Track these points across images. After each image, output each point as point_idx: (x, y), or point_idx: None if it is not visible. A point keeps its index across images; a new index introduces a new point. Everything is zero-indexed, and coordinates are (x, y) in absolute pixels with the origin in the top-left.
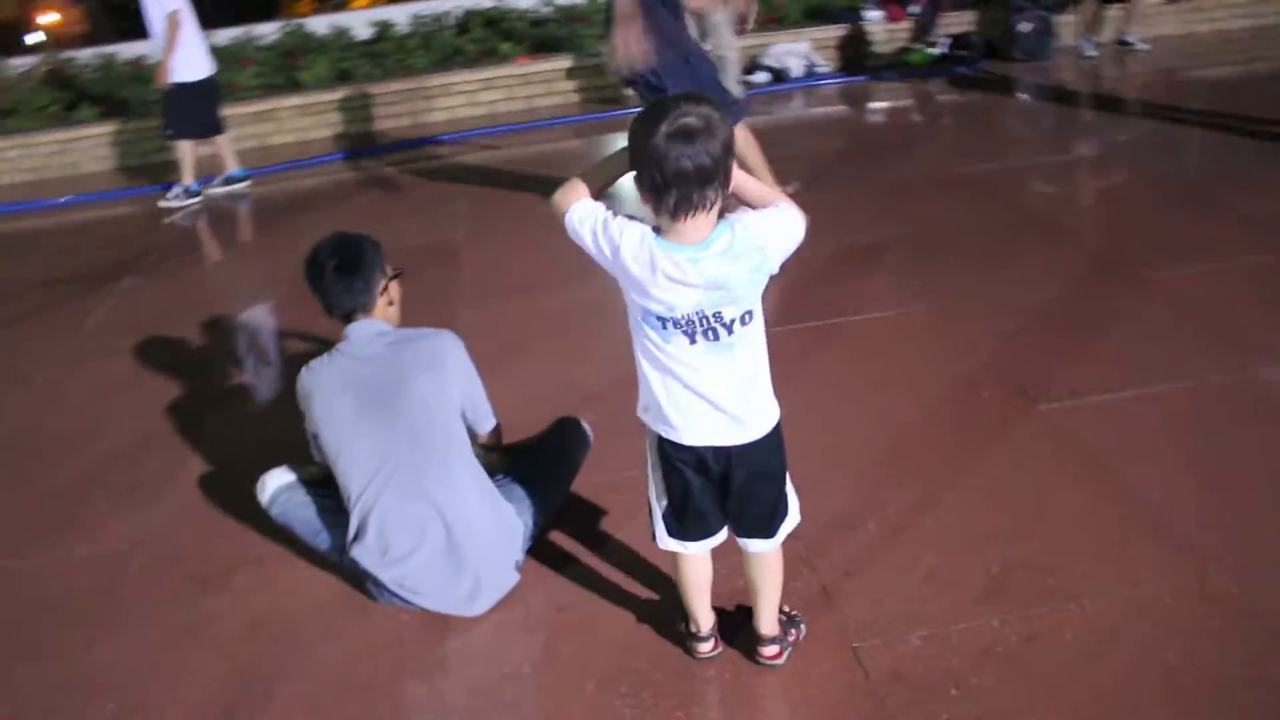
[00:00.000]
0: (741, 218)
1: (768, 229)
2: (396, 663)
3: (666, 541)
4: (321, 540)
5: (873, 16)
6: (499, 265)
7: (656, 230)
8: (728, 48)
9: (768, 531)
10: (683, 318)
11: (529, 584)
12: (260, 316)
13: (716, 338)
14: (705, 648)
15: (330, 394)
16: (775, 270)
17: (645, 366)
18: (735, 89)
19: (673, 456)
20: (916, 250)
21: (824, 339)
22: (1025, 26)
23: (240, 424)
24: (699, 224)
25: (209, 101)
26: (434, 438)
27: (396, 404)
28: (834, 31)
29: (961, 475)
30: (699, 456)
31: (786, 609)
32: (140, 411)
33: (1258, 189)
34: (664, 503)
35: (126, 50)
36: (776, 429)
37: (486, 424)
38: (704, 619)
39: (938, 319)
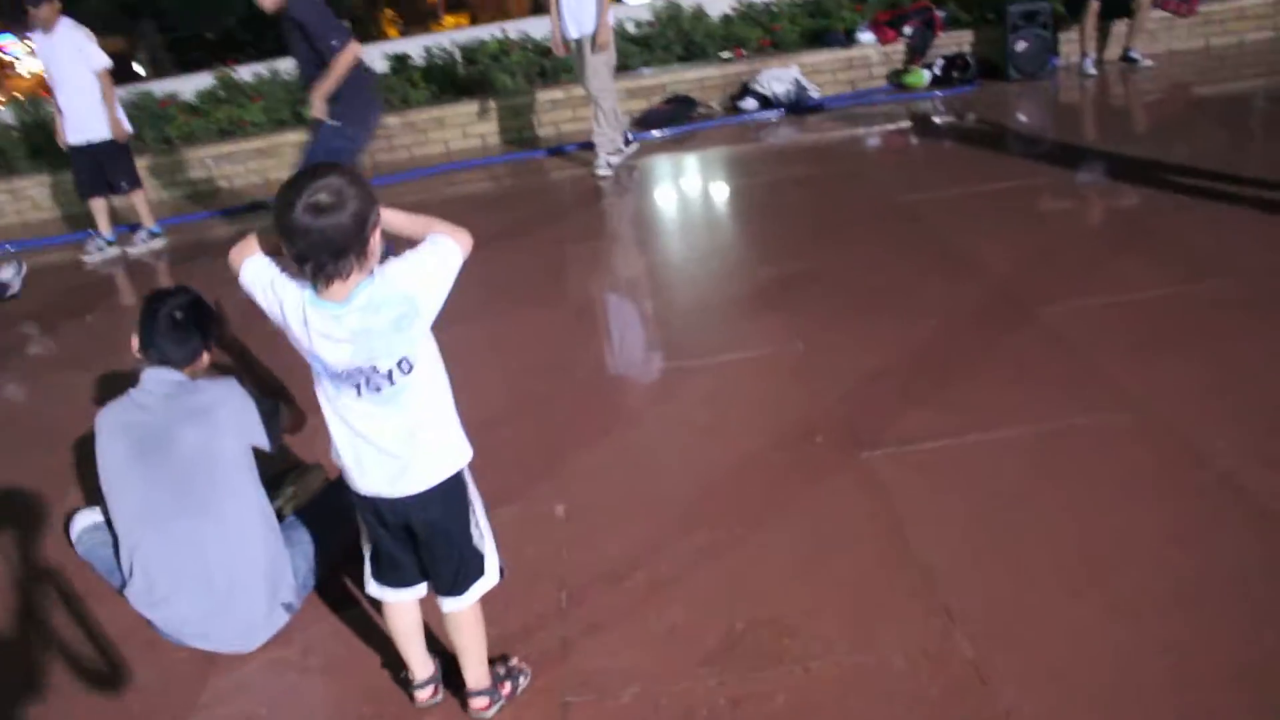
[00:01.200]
0: (385, 269)
1: (411, 276)
2: (156, 700)
3: (371, 587)
4: (115, 579)
5: (866, 39)
6: None
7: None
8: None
9: (454, 589)
10: (343, 371)
11: (306, 624)
12: None
13: (378, 389)
14: (423, 695)
15: (108, 436)
16: (432, 310)
17: (326, 414)
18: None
19: (359, 504)
20: (823, 285)
21: (683, 380)
22: (1021, 45)
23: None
24: (338, 287)
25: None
26: (196, 486)
27: (160, 452)
28: (827, 56)
29: (758, 527)
30: (375, 505)
31: (513, 661)
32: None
33: (1205, 219)
34: (368, 548)
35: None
36: (451, 483)
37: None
38: (418, 667)
39: (809, 359)
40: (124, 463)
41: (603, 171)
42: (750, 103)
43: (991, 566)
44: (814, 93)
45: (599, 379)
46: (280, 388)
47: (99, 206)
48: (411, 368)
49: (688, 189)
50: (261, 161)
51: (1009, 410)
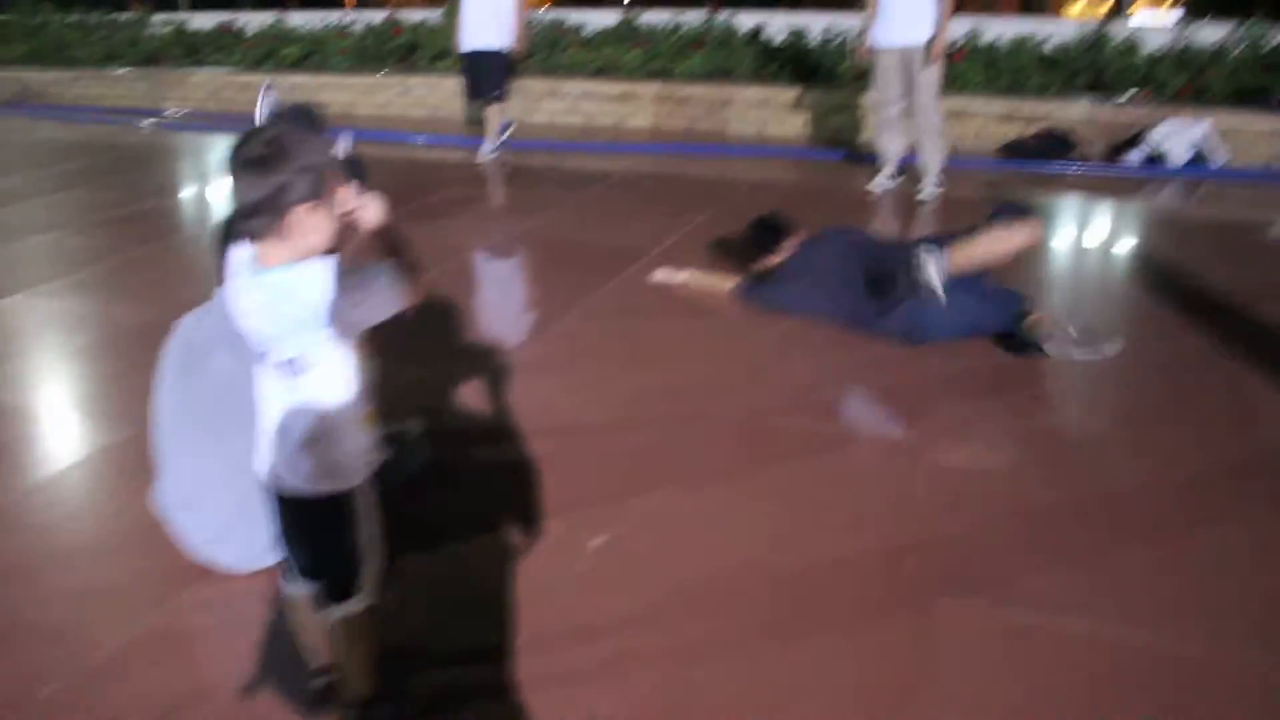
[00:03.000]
0: (313, 265)
1: (330, 287)
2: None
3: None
4: None
5: None
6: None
7: None
8: None
9: (328, 598)
10: (256, 341)
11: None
12: None
13: (283, 372)
14: None
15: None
16: (341, 330)
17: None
18: None
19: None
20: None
21: (822, 448)
22: None
23: None
24: (270, 251)
25: None
26: (224, 416)
27: (196, 373)
28: (1251, 119)
29: (769, 639)
30: (278, 493)
31: None
32: None
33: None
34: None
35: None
36: (330, 501)
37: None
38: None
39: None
40: (166, 375)
41: (926, 196)
42: (1136, 156)
43: None
44: (1221, 158)
45: (746, 420)
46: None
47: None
48: (304, 370)
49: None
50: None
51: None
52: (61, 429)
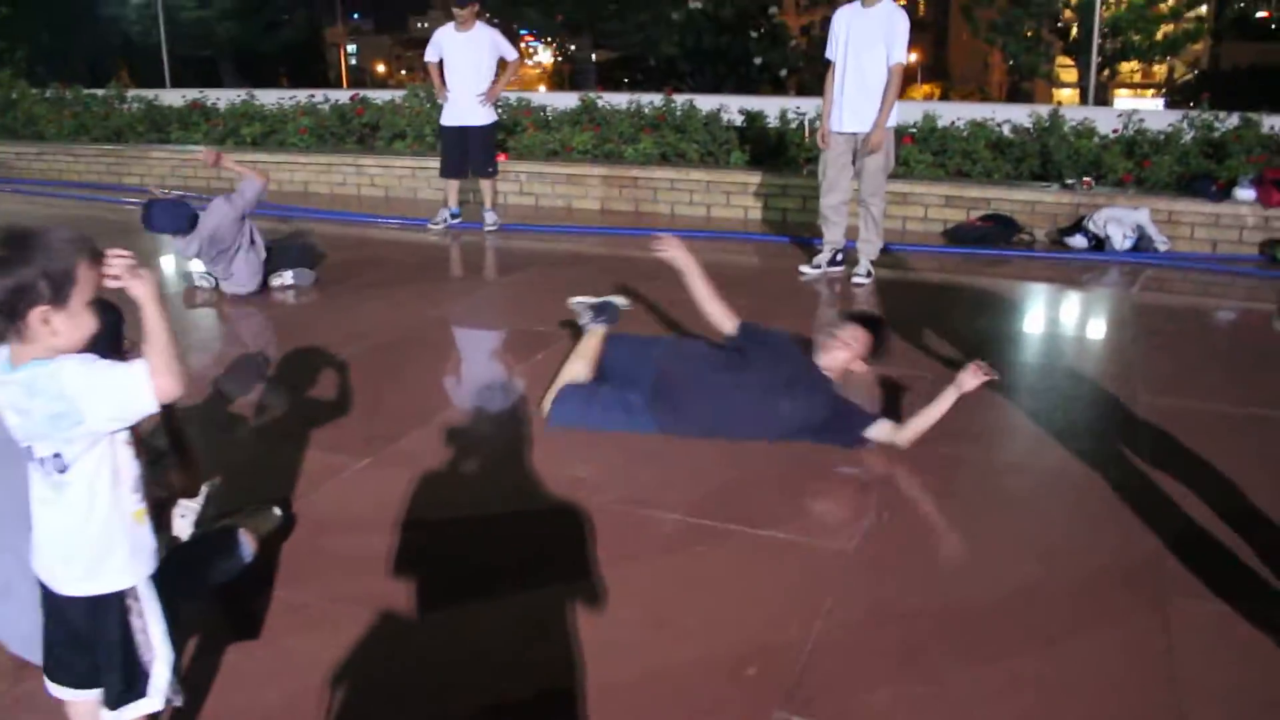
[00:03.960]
0: (63, 362)
1: (82, 382)
2: None
3: (47, 684)
4: None
5: (1245, 196)
6: None
7: None
8: None
9: (112, 703)
10: (17, 438)
11: None
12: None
13: (43, 472)
14: None
15: None
16: (96, 427)
17: None
18: None
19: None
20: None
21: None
22: None
23: None
24: (17, 350)
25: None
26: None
27: None
28: (1189, 206)
29: None
30: (45, 591)
31: None
32: None
33: None
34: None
35: None
36: (109, 600)
37: None
38: None
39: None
40: None
41: (862, 280)
42: (1079, 240)
43: None
44: (1160, 244)
45: (613, 513)
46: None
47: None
48: (66, 469)
49: (959, 316)
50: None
51: None
52: None
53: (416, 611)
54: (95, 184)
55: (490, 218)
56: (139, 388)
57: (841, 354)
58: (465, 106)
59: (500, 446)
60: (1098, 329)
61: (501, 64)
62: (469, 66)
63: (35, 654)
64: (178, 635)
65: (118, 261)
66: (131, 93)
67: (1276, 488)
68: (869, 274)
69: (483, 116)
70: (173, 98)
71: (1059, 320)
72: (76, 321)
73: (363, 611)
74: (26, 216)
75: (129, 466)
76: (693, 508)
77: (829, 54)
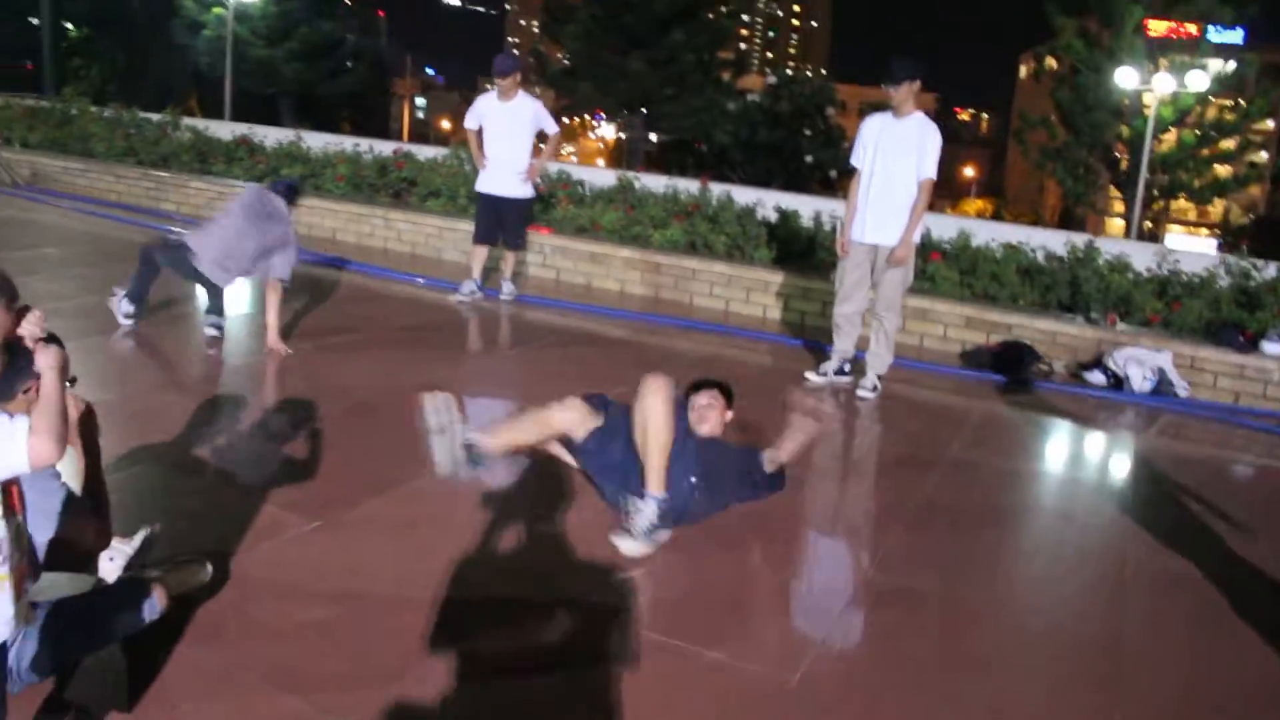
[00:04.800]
0: None
1: None
2: None
3: None
4: None
5: (1272, 350)
6: None
7: None
8: None
9: None
10: None
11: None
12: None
13: None
14: None
15: None
16: None
17: None
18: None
19: None
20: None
21: None
22: None
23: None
24: None
25: None
26: None
27: None
28: (1215, 355)
29: None
30: None
31: None
32: None
33: None
34: None
35: None
36: None
37: None
38: None
39: None
40: None
41: (866, 394)
42: (1098, 377)
43: None
44: (1181, 390)
45: (561, 605)
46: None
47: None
48: None
49: (965, 451)
50: (586, 266)
51: None
52: None
53: (323, 691)
54: (132, 206)
55: (508, 288)
56: (13, 445)
57: (716, 415)
58: (503, 177)
59: (455, 525)
60: (1104, 471)
61: (541, 137)
62: (509, 137)
63: None
64: (71, 683)
65: (32, 320)
66: (185, 121)
67: (1255, 658)
68: (875, 388)
69: (521, 190)
70: (224, 131)
71: (1064, 457)
72: None
73: (271, 688)
74: (56, 229)
75: None
76: (636, 614)
77: (855, 161)
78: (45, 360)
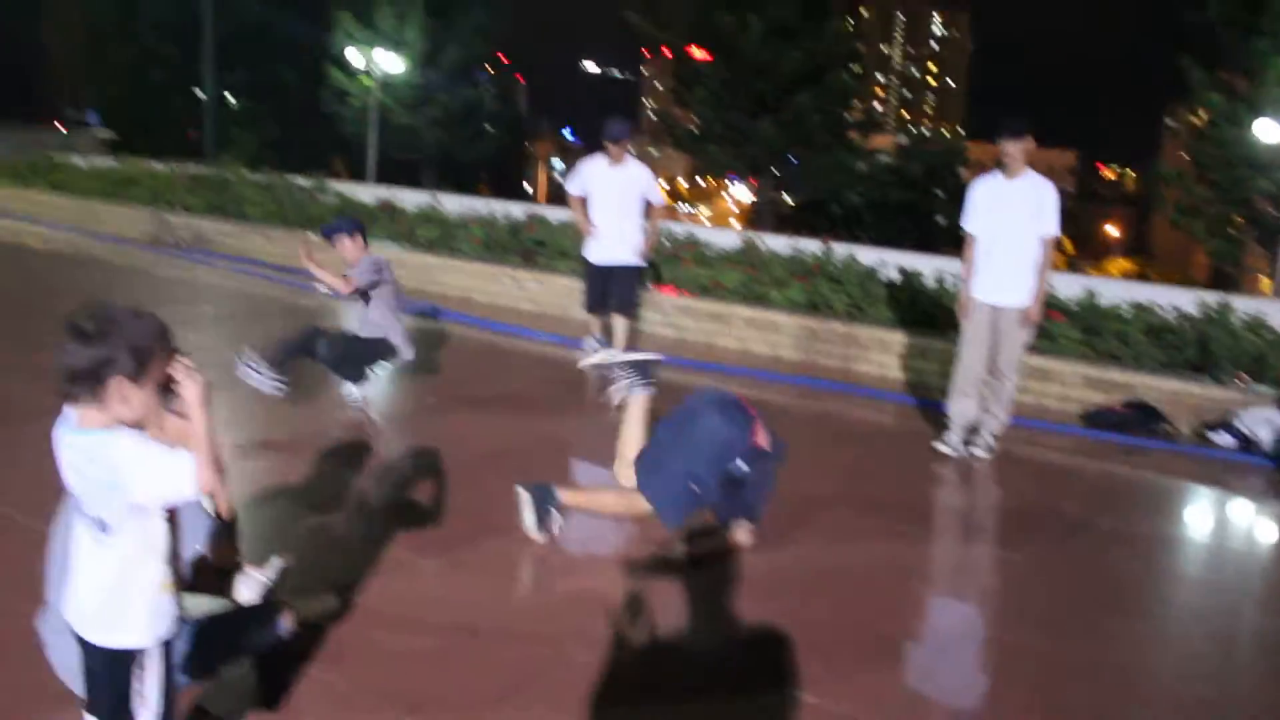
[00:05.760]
0: (119, 436)
1: (131, 459)
2: None
3: None
4: None
5: None
6: None
7: None
8: None
9: None
10: (71, 492)
11: None
12: None
13: (87, 529)
14: None
15: None
16: (138, 501)
17: None
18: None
19: None
20: None
21: None
22: None
23: None
24: (87, 414)
25: None
26: None
27: None
28: None
29: None
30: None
31: None
32: None
33: None
34: None
35: None
36: (119, 654)
37: None
38: None
39: None
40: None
41: (981, 454)
42: (1226, 438)
43: None
44: None
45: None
46: None
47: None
48: (106, 530)
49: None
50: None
51: None
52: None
53: (437, 713)
54: (280, 265)
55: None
56: (183, 475)
57: None
58: (613, 244)
59: (567, 567)
60: (1233, 539)
61: (647, 207)
62: (620, 203)
63: (78, 685)
64: (211, 691)
65: (182, 364)
66: (331, 185)
67: None
68: (990, 449)
69: (631, 257)
70: (367, 194)
71: (1191, 523)
72: (144, 397)
73: (389, 707)
74: (212, 288)
75: (162, 539)
76: (711, 652)
77: (967, 225)
78: (192, 394)
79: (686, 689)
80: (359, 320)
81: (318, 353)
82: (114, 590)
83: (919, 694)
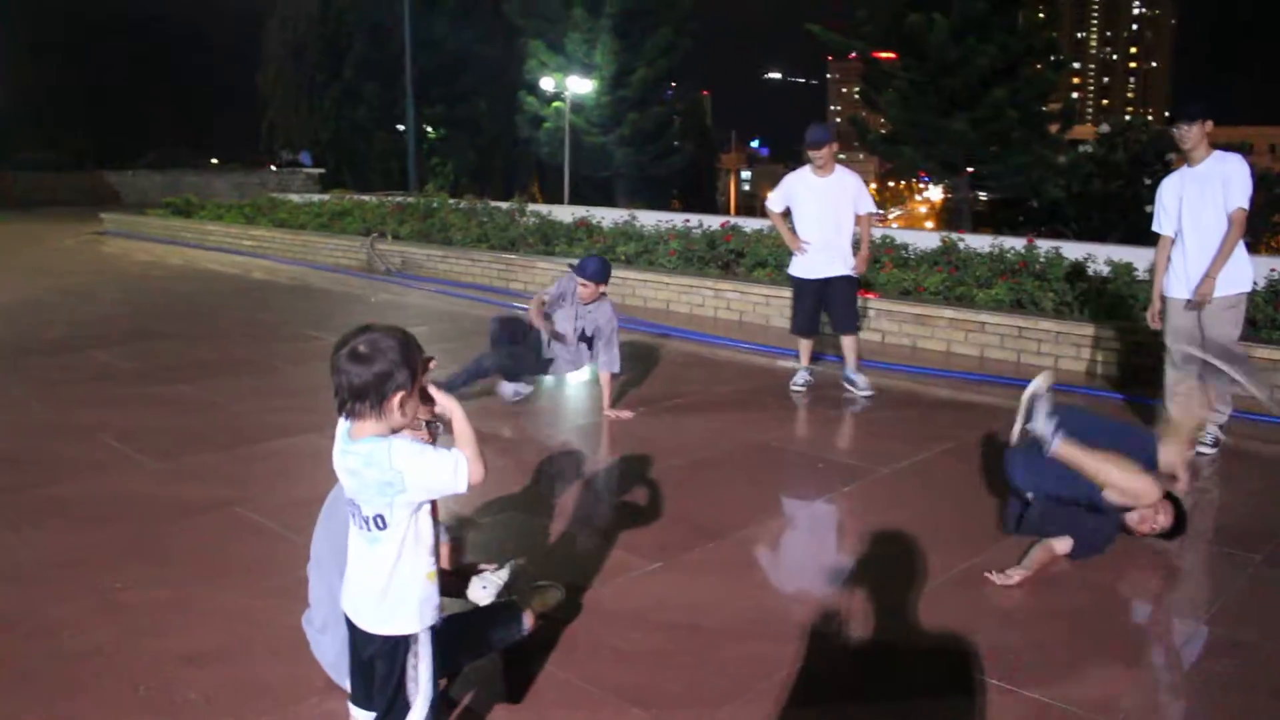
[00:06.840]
0: (396, 441)
1: (411, 461)
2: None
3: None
4: None
5: None
6: None
7: None
8: None
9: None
10: (348, 498)
11: None
12: None
13: (364, 528)
14: None
15: None
16: (414, 498)
17: None
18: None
19: None
20: None
21: None
22: None
23: None
24: (364, 425)
25: None
26: None
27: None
28: None
29: None
30: (349, 622)
31: None
32: None
33: None
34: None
35: None
36: (396, 641)
37: None
38: None
39: None
40: (320, 519)
41: (1205, 449)
42: None
43: None
44: None
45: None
46: None
47: (808, 345)
48: (385, 526)
49: None
50: (910, 328)
51: None
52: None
53: (663, 707)
54: (486, 286)
55: (861, 381)
56: (457, 472)
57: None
58: (825, 258)
59: (786, 568)
60: None
61: (857, 218)
62: (831, 214)
63: (343, 679)
64: (454, 685)
65: (431, 368)
66: (530, 207)
67: None
68: (1215, 443)
69: (844, 267)
70: (564, 214)
71: None
72: (414, 406)
73: (621, 702)
74: (422, 309)
75: (429, 532)
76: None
77: (1157, 227)
78: (447, 401)
79: (916, 690)
80: (558, 348)
81: (490, 363)
82: (389, 581)
83: (1137, 687)
